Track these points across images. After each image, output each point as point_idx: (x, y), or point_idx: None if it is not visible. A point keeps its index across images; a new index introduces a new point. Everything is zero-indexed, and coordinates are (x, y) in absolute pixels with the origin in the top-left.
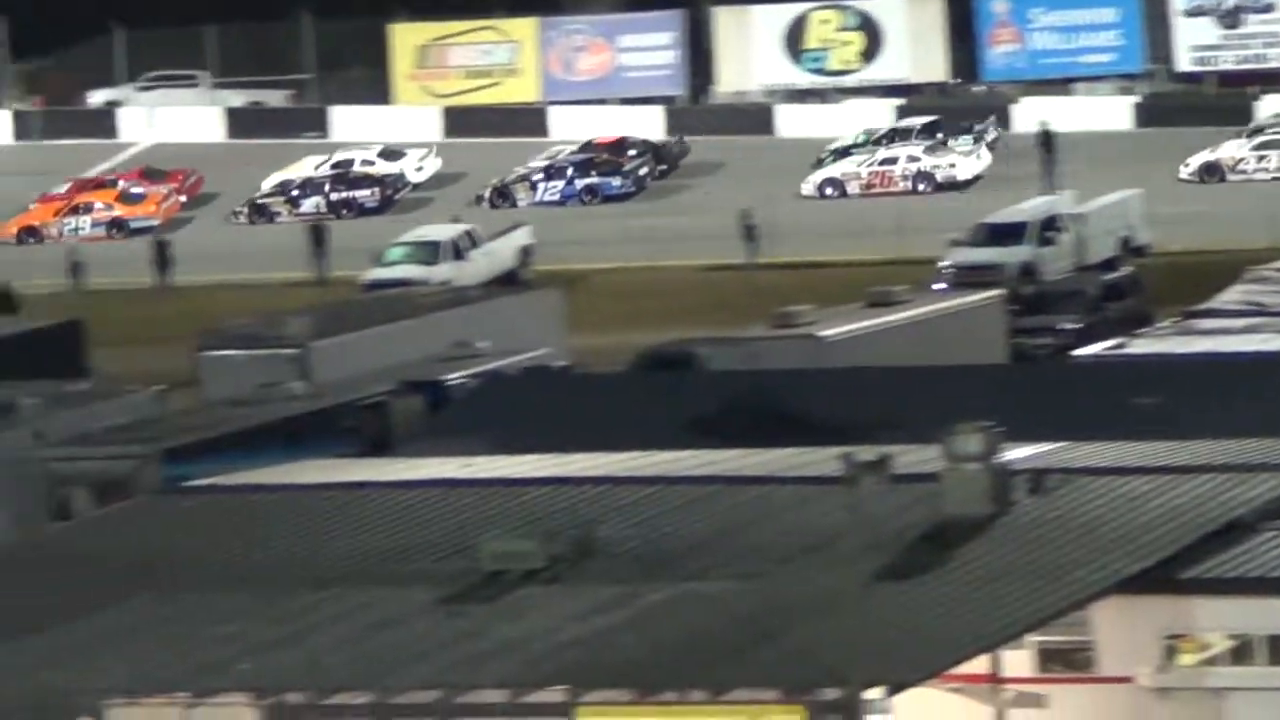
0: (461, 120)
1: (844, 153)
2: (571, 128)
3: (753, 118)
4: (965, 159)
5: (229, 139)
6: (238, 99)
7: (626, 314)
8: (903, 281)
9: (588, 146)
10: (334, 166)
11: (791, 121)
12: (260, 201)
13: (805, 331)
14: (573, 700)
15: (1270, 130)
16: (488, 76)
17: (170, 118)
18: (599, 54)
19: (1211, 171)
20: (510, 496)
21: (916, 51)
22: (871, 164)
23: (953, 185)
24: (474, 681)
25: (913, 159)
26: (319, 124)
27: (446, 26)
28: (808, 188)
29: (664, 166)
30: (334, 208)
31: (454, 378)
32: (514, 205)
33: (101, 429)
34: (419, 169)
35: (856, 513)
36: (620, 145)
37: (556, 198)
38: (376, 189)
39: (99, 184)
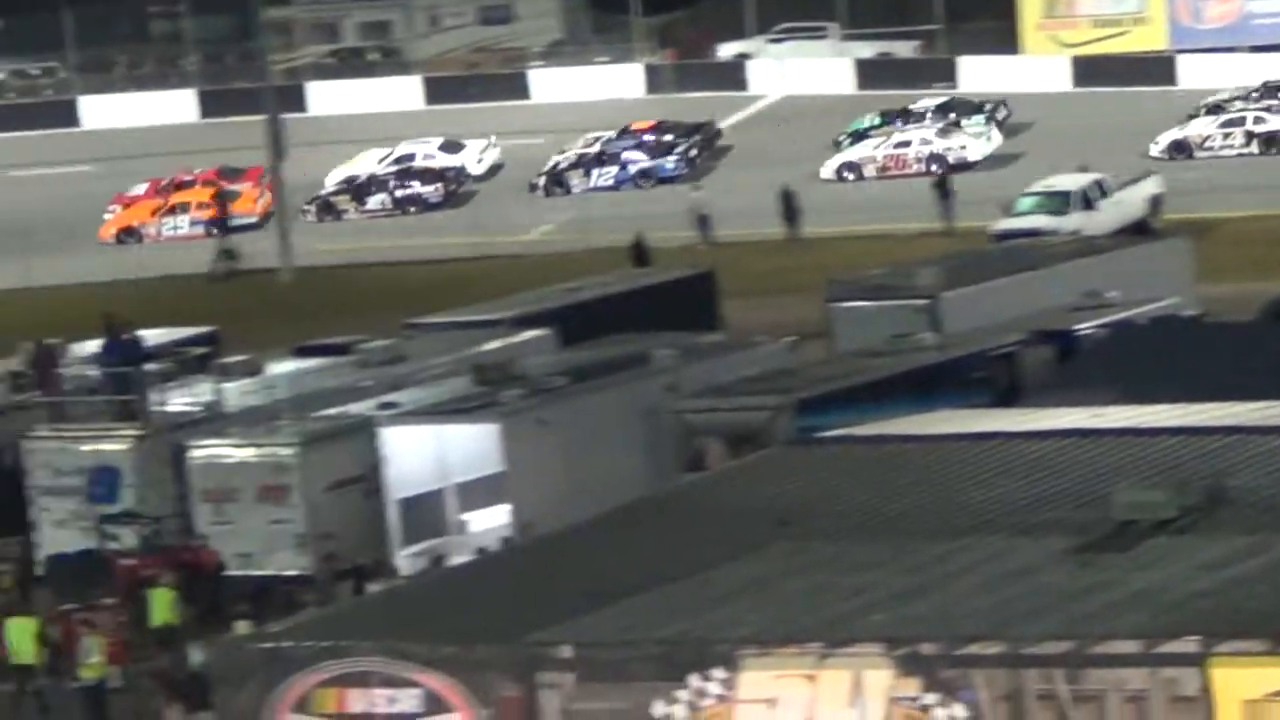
0: (1089, 70)
1: (861, 135)
2: (1200, 76)
3: None
4: (975, 140)
5: (858, 90)
6: (867, 50)
7: (1257, 261)
8: None
9: (626, 131)
10: (396, 162)
11: None
12: (328, 199)
13: None
14: (1206, 651)
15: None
16: (1116, 25)
17: (800, 69)
18: (1228, 2)
19: (1181, 149)
20: (1140, 446)
21: None
22: (886, 147)
23: (964, 166)
24: (1107, 632)
25: (925, 141)
26: (947, 75)
27: None
28: (826, 172)
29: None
30: (399, 204)
31: (1084, 327)
32: (568, 192)
33: (734, 380)
34: (479, 160)
35: None
36: (658, 129)
37: (611, 182)
38: (439, 184)
39: (179, 184)
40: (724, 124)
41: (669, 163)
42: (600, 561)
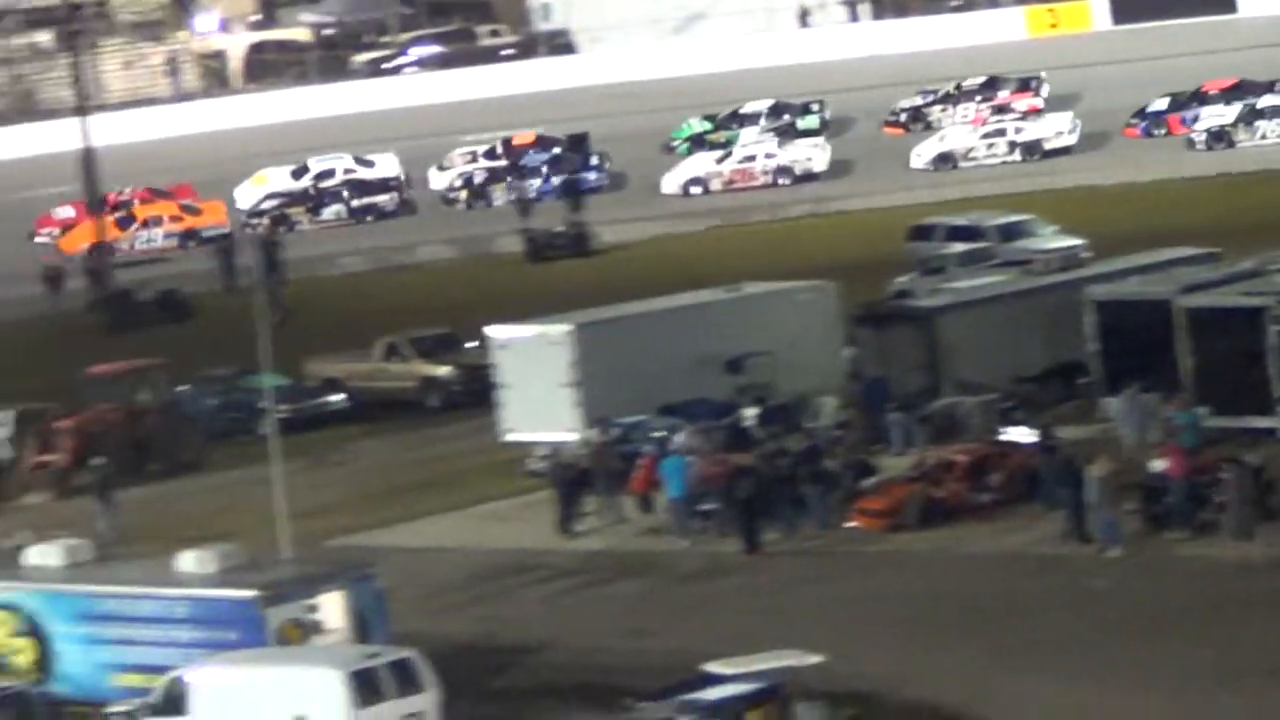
0: None
1: (698, 140)
2: None
3: None
4: (817, 151)
5: None
6: None
7: None
8: None
9: (507, 145)
10: (315, 177)
11: None
12: (283, 211)
13: None
14: None
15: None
16: None
17: None
18: None
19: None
20: None
21: None
22: (731, 161)
23: (809, 177)
24: None
25: (770, 155)
26: None
27: None
28: (670, 186)
29: None
30: (354, 214)
31: None
32: (489, 205)
33: None
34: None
35: None
36: (541, 143)
37: (533, 195)
38: (395, 194)
39: (116, 205)
40: None
41: (591, 175)
42: None
